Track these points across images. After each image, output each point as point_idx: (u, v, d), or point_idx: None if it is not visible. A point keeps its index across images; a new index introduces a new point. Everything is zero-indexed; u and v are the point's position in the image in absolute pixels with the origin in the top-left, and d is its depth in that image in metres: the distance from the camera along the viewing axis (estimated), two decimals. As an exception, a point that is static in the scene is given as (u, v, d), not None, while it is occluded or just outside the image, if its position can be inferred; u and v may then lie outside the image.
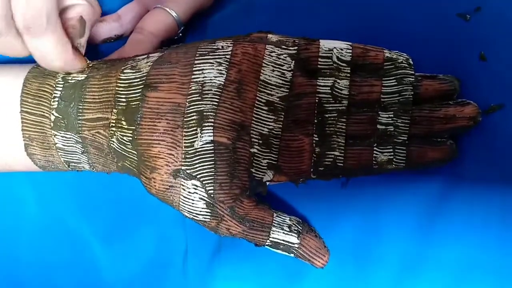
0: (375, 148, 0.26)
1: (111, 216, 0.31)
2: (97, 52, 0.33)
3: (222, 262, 0.28)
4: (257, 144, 0.26)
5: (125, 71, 0.26)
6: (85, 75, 0.26)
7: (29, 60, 0.29)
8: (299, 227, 0.26)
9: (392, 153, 0.26)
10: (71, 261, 0.32)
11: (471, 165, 0.27)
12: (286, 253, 0.26)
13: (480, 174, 0.27)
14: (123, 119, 0.25)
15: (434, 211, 0.27)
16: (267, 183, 0.27)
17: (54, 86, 0.26)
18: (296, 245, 0.26)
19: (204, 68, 0.25)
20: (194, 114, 0.25)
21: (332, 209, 0.28)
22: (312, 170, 0.26)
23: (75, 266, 0.32)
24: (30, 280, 0.32)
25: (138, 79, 0.25)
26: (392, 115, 0.26)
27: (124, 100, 0.25)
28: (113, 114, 0.25)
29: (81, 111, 0.26)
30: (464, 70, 0.27)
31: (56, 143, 0.27)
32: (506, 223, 0.26)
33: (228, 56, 0.25)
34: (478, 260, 0.26)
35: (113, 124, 0.25)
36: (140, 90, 0.25)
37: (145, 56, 0.26)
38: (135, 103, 0.25)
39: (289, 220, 0.26)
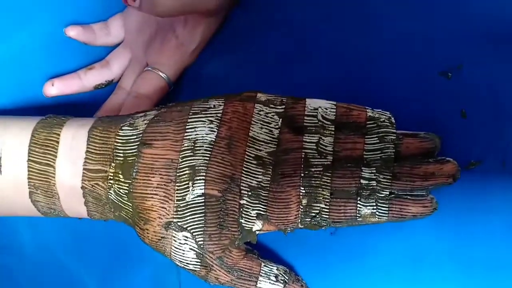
0: (358, 202, 0.27)
1: (107, 258, 0.33)
2: (89, 99, 0.34)
3: None
4: (246, 195, 0.27)
5: (123, 128, 0.28)
6: (90, 125, 0.28)
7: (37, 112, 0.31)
8: (285, 276, 0.27)
9: (375, 207, 0.27)
10: None
11: (451, 218, 0.28)
12: (272, 303, 0.27)
13: (462, 229, 0.28)
14: (120, 172, 0.27)
15: (422, 259, 0.28)
16: (257, 232, 0.28)
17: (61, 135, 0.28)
18: None
19: (197, 126, 0.27)
20: (186, 169, 0.27)
21: (321, 256, 0.29)
22: (299, 220, 0.28)
23: None
24: None
25: (135, 136, 0.27)
26: (374, 171, 0.27)
27: (121, 155, 0.27)
28: (111, 167, 0.27)
29: (84, 160, 0.28)
30: (446, 126, 0.28)
31: (59, 192, 0.28)
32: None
33: (219, 115, 0.27)
34: None
35: (111, 177, 0.27)
36: (137, 146, 0.27)
37: (143, 114, 0.28)
38: (131, 158, 0.27)
39: (276, 269, 0.28)
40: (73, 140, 0.28)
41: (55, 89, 0.34)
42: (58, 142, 0.28)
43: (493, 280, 0.27)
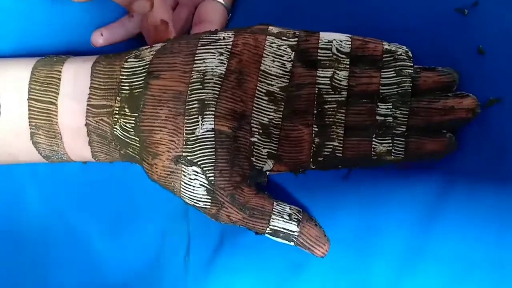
0: (374, 139, 0.26)
1: (113, 210, 0.32)
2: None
3: (224, 255, 0.29)
4: (257, 133, 0.26)
5: (128, 60, 0.27)
6: (93, 61, 0.27)
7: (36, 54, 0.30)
8: (299, 215, 0.27)
9: (391, 144, 0.26)
10: (73, 255, 0.32)
11: (470, 159, 0.27)
12: (286, 241, 0.26)
13: (479, 169, 0.27)
14: (126, 106, 0.26)
15: (434, 205, 0.27)
16: (267, 172, 0.27)
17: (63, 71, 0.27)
18: (296, 233, 0.26)
19: (206, 57, 0.26)
20: (196, 102, 0.25)
21: (332, 201, 0.28)
22: (311, 160, 0.27)
23: (77, 261, 0.32)
24: (32, 274, 0.32)
25: (141, 67, 0.26)
26: (391, 107, 0.26)
27: (127, 87, 0.26)
28: (116, 102, 0.26)
29: (88, 96, 0.26)
30: (463, 64, 0.27)
31: (61, 132, 0.27)
32: (505, 218, 0.26)
33: (229, 47, 0.26)
34: (477, 255, 0.26)
35: (117, 112, 0.26)
36: (143, 78, 0.26)
37: (149, 46, 0.27)
38: (138, 90, 0.26)
39: (289, 209, 0.27)
40: (76, 76, 0.27)
41: (102, 39, 0.33)
42: (59, 79, 0.27)
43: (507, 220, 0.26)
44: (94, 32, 0.32)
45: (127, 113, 0.26)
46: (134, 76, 0.26)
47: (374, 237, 0.27)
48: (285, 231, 0.26)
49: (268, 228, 0.26)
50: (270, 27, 0.27)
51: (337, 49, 0.27)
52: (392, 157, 0.26)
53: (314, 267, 0.27)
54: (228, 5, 0.33)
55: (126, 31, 0.33)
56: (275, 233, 0.26)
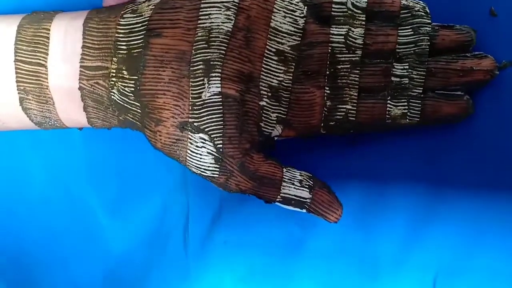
0: (388, 102, 0.25)
1: (113, 183, 0.30)
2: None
3: (223, 227, 0.28)
4: (266, 96, 0.24)
5: (125, 16, 0.24)
6: (84, 17, 0.24)
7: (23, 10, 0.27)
8: (310, 181, 0.25)
9: (406, 107, 0.25)
10: (73, 228, 0.30)
11: (483, 122, 0.26)
12: (298, 209, 0.25)
13: (492, 132, 0.26)
14: (124, 68, 0.24)
15: (445, 170, 0.26)
16: (275, 138, 0.26)
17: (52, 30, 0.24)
18: (308, 200, 0.25)
19: (212, 12, 0.23)
20: (201, 63, 0.23)
21: (338, 170, 0.27)
22: (322, 124, 0.25)
23: (78, 233, 0.30)
24: (34, 248, 0.30)
25: (140, 25, 0.24)
26: (407, 67, 0.25)
27: (125, 47, 0.24)
28: (113, 63, 0.24)
29: (80, 56, 0.24)
30: (474, 25, 0.26)
31: (53, 96, 0.25)
32: None
33: (236, 0, 0.24)
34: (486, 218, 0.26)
35: (114, 74, 0.24)
36: (142, 36, 0.23)
37: None
38: (137, 50, 0.23)
39: (299, 175, 0.25)
40: (66, 34, 0.24)
41: None
42: (48, 38, 0.24)
43: None
44: None
45: (125, 76, 0.24)
46: (132, 34, 0.24)
47: (380, 208, 0.27)
48: (297, 198, 0.25)
49: (279, 196, 0.25)
50: None
51: (352, 3, 0.25)
52: (407, 120, 0.25)
53: (315, 241, 0.27)
54: None
55: None
56: (286, 201, 0.25)
